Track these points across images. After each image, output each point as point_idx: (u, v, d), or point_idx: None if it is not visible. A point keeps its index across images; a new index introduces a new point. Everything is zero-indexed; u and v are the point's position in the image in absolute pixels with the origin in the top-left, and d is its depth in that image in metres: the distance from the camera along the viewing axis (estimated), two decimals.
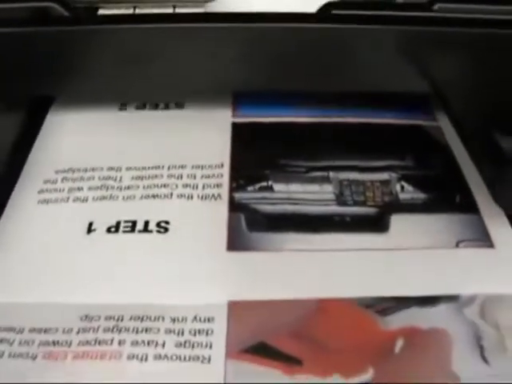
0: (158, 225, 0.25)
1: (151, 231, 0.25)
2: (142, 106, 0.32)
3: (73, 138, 0.30)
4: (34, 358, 0.21)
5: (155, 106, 0.32)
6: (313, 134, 0.30)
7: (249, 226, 0.25)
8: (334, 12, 0.26)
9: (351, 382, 0.20)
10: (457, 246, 0.25)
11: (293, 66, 0.28)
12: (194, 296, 0.23)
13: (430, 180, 0.27)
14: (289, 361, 0.20)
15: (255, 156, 0.28)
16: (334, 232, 0.25)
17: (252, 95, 0.31)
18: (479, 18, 0.26)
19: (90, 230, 0.25)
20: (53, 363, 0.20)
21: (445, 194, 0.27)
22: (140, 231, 0.25)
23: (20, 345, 0.21)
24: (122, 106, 0.32)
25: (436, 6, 0.26)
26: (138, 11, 0.29)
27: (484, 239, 0.25)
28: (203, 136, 0.30)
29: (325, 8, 0.27)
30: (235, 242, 0.25)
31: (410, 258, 0.24)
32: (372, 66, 0.28)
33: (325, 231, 0.25)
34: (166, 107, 0.32)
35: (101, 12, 0.29)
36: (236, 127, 0.30)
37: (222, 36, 0.27)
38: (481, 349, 0.21)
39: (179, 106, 0.32)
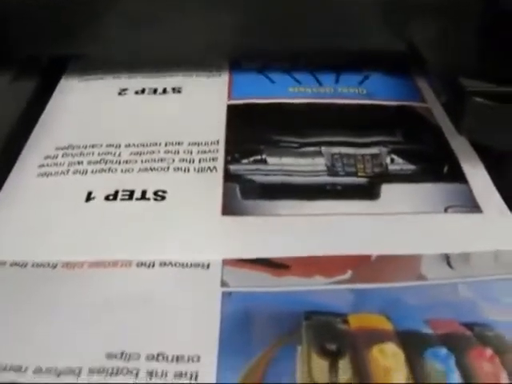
0: (156, 193, 0.26)
1: (148, 199, 0.26)
2: (140, 91, 0.33)
3: (73, 117, 0.31)
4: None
5: (154, 91, 0.33)
6: (306, 114, 0.31)
7: (243, 194, 0.26)
8: None
9: (331, 281, 0.21)
10: (445, 211, 0.25)
11: (280, 26, 0.31)
12: (190, 255, 0.23)
13: (419, 153, 0.28)
14: (278, 266, 0.21)
15: (249, 133, 0.29)
16: (325, 199, 0.26)
17: (247, 79, 0.33)
18: None
19: (88, 198, 0.26)
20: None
21: (433, 166, 0.28)
22: (138, 199, 0.26)
23: None
24: (122, 91, 0.33)
25: None
26: None
27: (472, 205, 0.26)
28: (199, 116, 0.31)
29: None
30: (230, 208, 0.25)
31: (399, 221, 0.25)
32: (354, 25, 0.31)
33: (317, 198, 0.26)
34: (164, 92, 0.33)
35: None
36: (231, 108, 0.31)
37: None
38: (447, 259, 0.23)
39: (177, 90, 0.33)
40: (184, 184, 0.27)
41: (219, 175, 0.27)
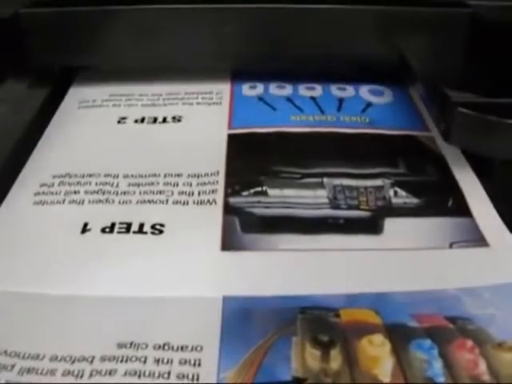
0: (153, 227, 0.26)
1: (146, 232, 0.25)
2: (140, 120, 0.32)
3: (71, 144, 0.31)
4: None
5: (153, 120, 0.32)
6: (308, 143, 0.30)
7: (243, 227, 0.25)
8: None
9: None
10: (450, 246, 0.25)
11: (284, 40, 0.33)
12: (188, 293, 0.23)
13: (422, 185, 0.28)
14: None
15: (250, 164, 0.29)
16: (327, 233, 0.25)
17: (248, 107, 0.32)
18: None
19: (84, 230, 0.25)
20: None
21: (438, 199, 0.27)
22: (135, 232, 0.25)
23: None
24: (121, 119, 0.32)
25: None
26: None
27: (478, 240, 0.25)
28: (199, 146, 0.30)
29: None
30: (229, 243, 0.25)
31: (403, 257, 0.24)
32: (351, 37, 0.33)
33: (318, 232, 0.25)
34: (164, 121, 0.32)
35: None
36: (231, 137, 0.30)
37: (220, 15, 0.32)
38: None
39: (177, 119, 0.32)
40: (183, 217, 0.26)
41: (219, 208, 0.26)
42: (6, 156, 0.29)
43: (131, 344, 0.21)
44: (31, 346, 0.21)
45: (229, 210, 0.26)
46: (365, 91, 0.35)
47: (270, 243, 0.25)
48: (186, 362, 0.20)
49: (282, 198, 0.27)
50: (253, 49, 0.33)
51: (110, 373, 0.20)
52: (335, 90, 0.35)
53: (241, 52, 0.34)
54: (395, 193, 0.27)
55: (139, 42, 0.33)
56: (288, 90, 0.35)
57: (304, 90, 0.35)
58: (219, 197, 0.27)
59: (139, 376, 0.19)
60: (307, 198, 0.27)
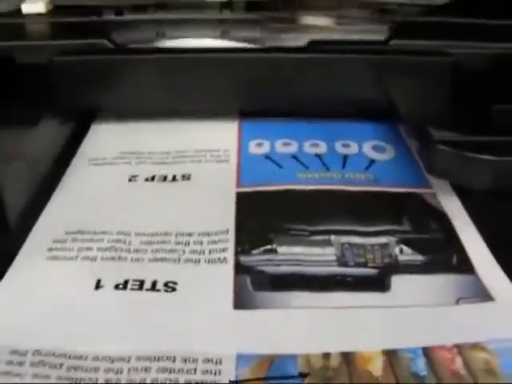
0: (166, 284, 0.26)
1: (159, 290, 0.26)
2: (150, 178, 0.33)
3: (83, 201, 0.32)
4: None
5: (163, 179, 0.33)
6: (314, 201, 0.31)
7: (254, 286, 0.26)
8: (317, 46, 0.38)
9: None
10: (457, 303, 0.25)
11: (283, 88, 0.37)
12: (201, 350, 0.23)
13: (427, 243, 0.29)
14: None
15: (259, 221, 0.30)
16: (336, 291, 0.26)
17: (255, 165, 0.34)
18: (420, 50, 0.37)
19: (98, 286, 0.26)
20: None
21: (442, 256, 0.28)
22: (148, 289, 0.26)
23: None
24: (132, 177, 0.33)
25: (391, 43, 0.38)
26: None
27: (483, 294, 0.26)
28: (209, 205, 0.31)
29: (311, 43, 0.38)
30: (241, 301, 0.25)
31: (411, 314, 0.25)
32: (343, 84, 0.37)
33: (327, 290, 0.26)
34: (174, 179, 0.33)
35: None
36: (240, 196, 0.31)
37: (226, 64, 0.37)
38: None
39: (186, 178, 0.33)
40: (195, 276, 0.27)
41: (230, 267, 0.27)
42: (20, 210, 0.30)
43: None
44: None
45: (240, 268, 0.27)
46: (368, 148, 0.36)
47: (282, 301, 0.25)
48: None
49: (291, 255, 0.28)
50: (258, 93, 0.38)
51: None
52: (339, 146, 0.36)
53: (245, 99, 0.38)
54: (401, 250, 0.28)
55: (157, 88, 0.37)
56: (294, 147, 0.36)
57: (309, 148, 0.36)
58: (230, 255, 0.28)
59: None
60: (316, 255, 0.28)
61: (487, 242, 0.29)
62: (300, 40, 0.39)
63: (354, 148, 0.36)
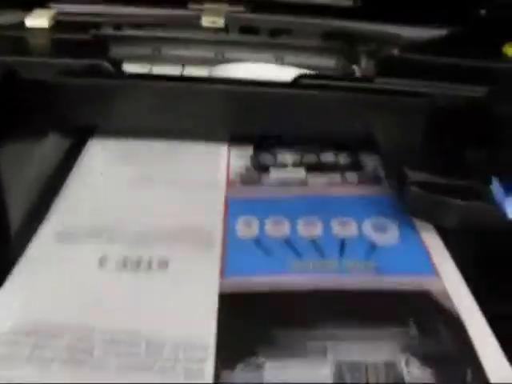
0: None
1: None
2: (121, 265, 0.29)
3: (46, 290, 0.28)
4: None
5: (137, 265, 0.29)
6: (306, 301, 0.27)
7: None
8: (303, 81, 0.38)
9: None
10: None
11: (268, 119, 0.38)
12: None
13: (437, 353, 0.25)
14: None
15: (244, 328, 0.26)
16: None
17: (242, 253, 0.30)
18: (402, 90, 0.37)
19: None
20: None
21: (455, 371, 0.24)
22: None
23: None
24: (102, 262, 0.29)
25: (376, 80, 0.38)
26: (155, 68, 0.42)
27: None
28: (187, 306, 0.27)
29: (297, 78, 0.38)
30: None
31: None
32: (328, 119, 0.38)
33: None
34: (149, 267, 0.29)
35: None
36: (223, 295, 0.27)
37: (215, 95, 0.37)
38: None
39: (162, 265, 0.29)
40: None
41: None
42: None
43: None
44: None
45: None
46: (368, 227, 0.32)
47: None
48: None
49: (281, 371, 0.24)
50: (245, 126, 0.39)
51: None
52: (337, 226, 0.32)
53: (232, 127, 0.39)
54: (406, 362, 0.24)
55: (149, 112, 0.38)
56: (286, 227, 0.32)
57: (303, 228, 0.32)
58: (208, 371, 0.24)
59: None
60: (309, 377, 0.24)
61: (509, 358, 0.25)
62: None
63: (352, 227, 0.32)
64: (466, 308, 0.27)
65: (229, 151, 0.39)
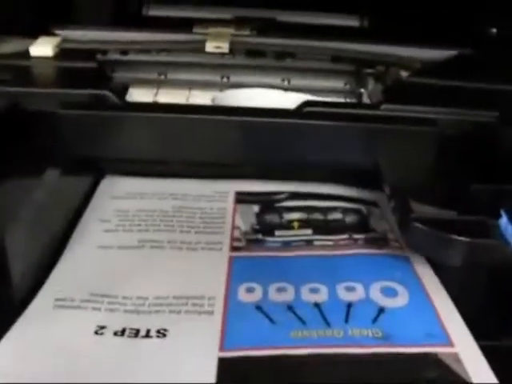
0: None
1: None
2: (120, 332, 0.28)
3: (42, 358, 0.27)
4: None
5: (135, 333, 0.28)
6: (311, 371, 0.26)
7: None
8: (308, 109, 0.39)
9: None
10: None
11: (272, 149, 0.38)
12: None
13: None
14: None
15: None
16: None
17: (243, 321, 0.29)
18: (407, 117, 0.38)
19: None
20: None
21: None
22: None
23: None
24: (99, 329, 0.28)
25: (382, 107, 0.38)
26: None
27: None
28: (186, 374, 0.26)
29: (301, 106, 0.39)
30: None
31: None
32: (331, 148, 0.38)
33: None
34: (147, 335, 0.28)
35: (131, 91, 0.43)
36: (222, 368, 0.26)
37: (218, 125, 0.38)
38: None
39: (161, 334, 0.28)
40: None
41: None
42: None
43: None
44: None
45: None
46: (376, 291, 0.31)
47: None
48: None
49: None
50: (251, 156, 0.39)
51: None
52: (342, 291, 0.31)
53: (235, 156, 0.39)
54: None
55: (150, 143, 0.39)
56: (289, 294, 0.31)
57: (307, 294, 0.31)
58: None
59: None
60: None
61: None
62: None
63: (359, 292, 0.31)
64: (478, 373, 0.26)
65: (234, 210, 0.38)
